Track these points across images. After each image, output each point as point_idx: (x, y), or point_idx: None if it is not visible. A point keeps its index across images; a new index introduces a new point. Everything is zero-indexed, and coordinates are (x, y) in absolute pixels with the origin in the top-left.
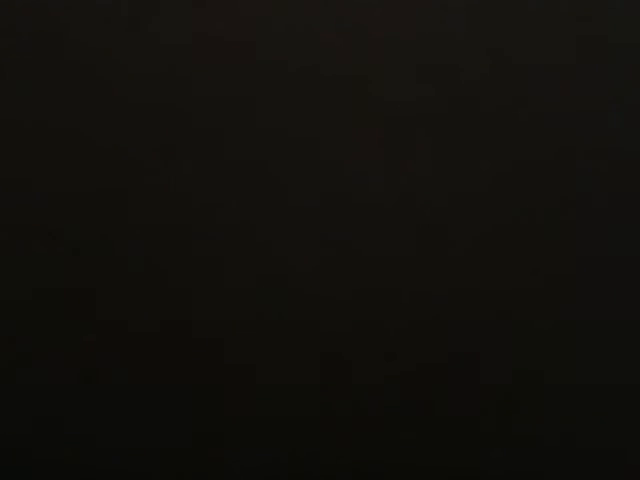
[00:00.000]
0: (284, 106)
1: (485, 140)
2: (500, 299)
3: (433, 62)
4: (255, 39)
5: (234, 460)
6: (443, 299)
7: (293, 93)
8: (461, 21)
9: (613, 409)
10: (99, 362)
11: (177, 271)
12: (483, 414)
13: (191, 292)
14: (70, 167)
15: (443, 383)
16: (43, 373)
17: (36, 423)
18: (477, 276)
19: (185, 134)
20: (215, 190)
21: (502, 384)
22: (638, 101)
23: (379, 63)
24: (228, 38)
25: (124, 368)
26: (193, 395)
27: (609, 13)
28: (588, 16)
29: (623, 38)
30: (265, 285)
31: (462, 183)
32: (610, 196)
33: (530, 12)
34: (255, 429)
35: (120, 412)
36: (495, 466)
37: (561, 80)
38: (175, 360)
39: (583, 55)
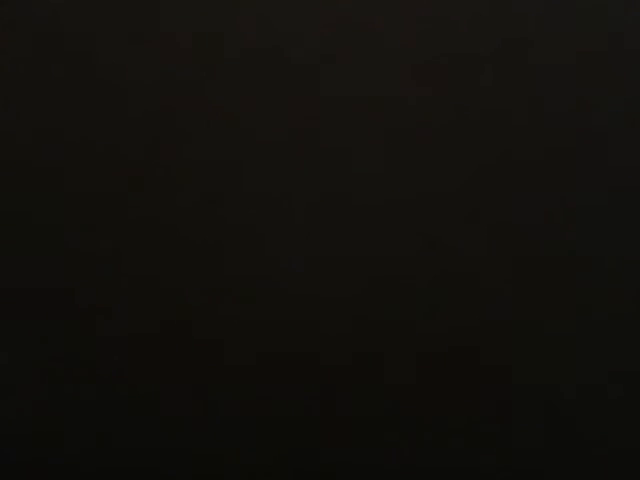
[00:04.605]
0: (284, 106)
1: (485, 140)
2: (500, 298)
3: (433, 62)
4: (255, 39)
5: (234, 460)
6: (443, 299)
7: (293, 93)
8: (461, 21)
9: (613, 409)
10: (99, 362)
11: (177, 271)
12: (483, 414)
13: (191, 292)
14: (70, 168)
15: (442, 383)
16: (43, 373)
17: (36, 423)
18: (477, 276)
19: (185, 134)
20: (214, 189)
21: (502, 384)
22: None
23: (379, 63)
24: (228, 39)
25: (124, 368)
26: (193, 395)
27: (609, 12)
28: (588, 16)
29: (624, 37)
30: (264, 285)
31: (462, 183)
32: (610, 196)
33: (529, 12)
34: (254, 429)
35: (120, 412)
36: (495, 466)
37: (562, 81)
38: (175, 360)
39: (584, 55)
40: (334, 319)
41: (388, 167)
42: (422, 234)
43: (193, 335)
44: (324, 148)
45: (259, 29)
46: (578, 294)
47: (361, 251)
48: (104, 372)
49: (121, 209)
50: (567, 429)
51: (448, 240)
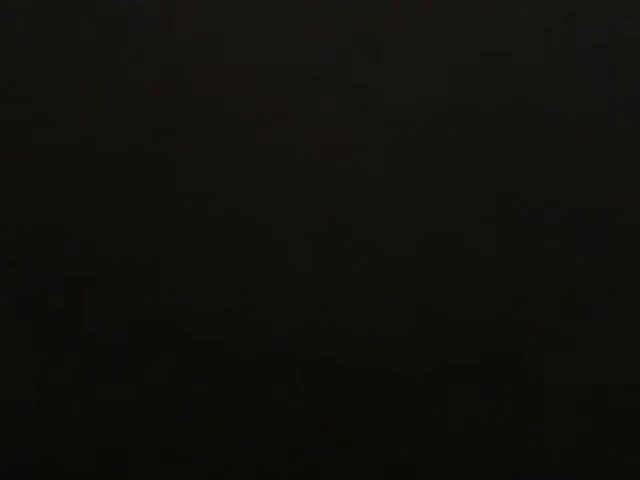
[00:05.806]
0: (285, 106)
1: (485, 140)
2: (502, 299)
3: (433, 63)
4: (255, 40)
5: (233, 460)
6: (443, 299)
7: (293, 93)
8: (461, 22)
9: (613, 409)
10: (98, 363)
11: (177, 271)
12: (483, 414)
13: (192, 292)
14: (70, 167)
15: (443, 383)
16: (43, 373)
17: (37, 422)
18: (477, 276)
19: (185, 133)
20: (214, 190)
21: (502, 384)
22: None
23: (380, 64)
24: (228, 39)
25: (123, 368)
26: (192, 395)
27: (608, 13)
28: (587, 15)
29: (623, 37)
30: (265, 284)
31: (463, 183)
32: (610, 196)
33: (528, 12)
34: (254, 429)
35: (118, 411)
36: (495, 466)
37: (561, 80)
38: (174, 360)
39: (583, 55)
40: (334, 319)
41: (389, 168)
42: (422, 234)
43: (193, 335)
44: (324, 149)
45: (258, 30)
46: (578, 292)
47: (362, 251)
48: (103, 373)
49: (120, 208)
50: (568, 429)
51: (449, 240)
